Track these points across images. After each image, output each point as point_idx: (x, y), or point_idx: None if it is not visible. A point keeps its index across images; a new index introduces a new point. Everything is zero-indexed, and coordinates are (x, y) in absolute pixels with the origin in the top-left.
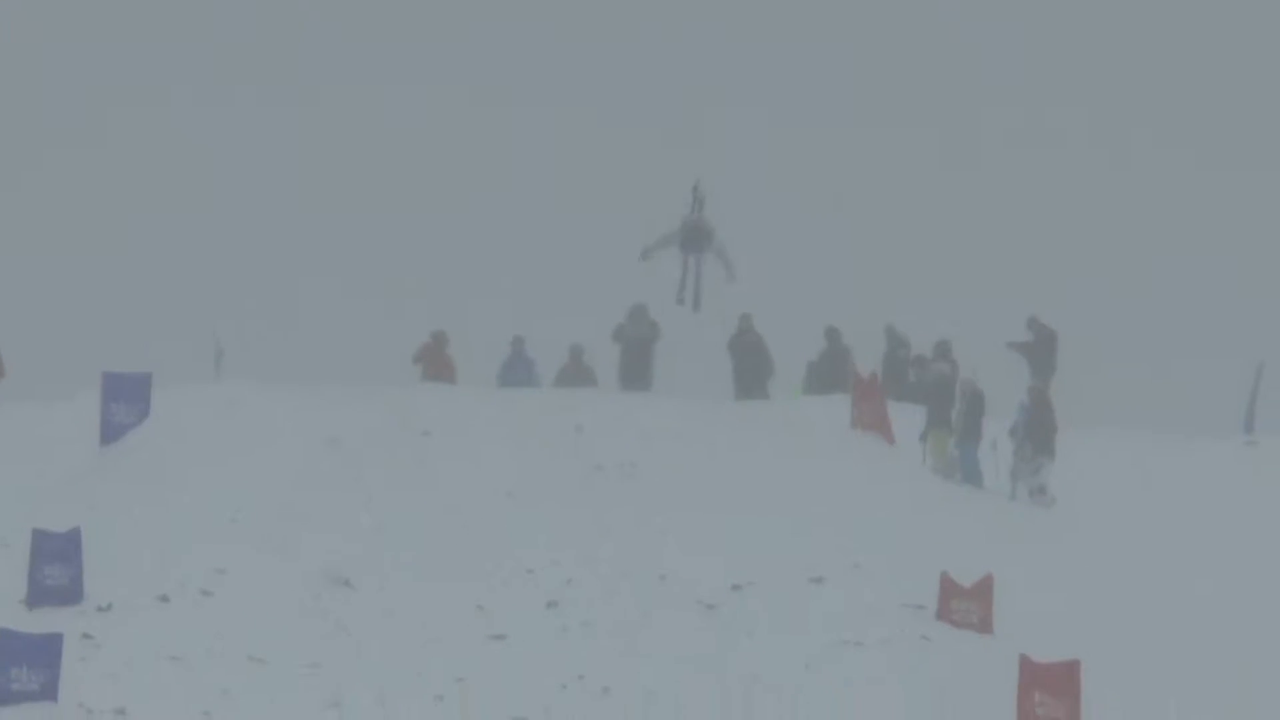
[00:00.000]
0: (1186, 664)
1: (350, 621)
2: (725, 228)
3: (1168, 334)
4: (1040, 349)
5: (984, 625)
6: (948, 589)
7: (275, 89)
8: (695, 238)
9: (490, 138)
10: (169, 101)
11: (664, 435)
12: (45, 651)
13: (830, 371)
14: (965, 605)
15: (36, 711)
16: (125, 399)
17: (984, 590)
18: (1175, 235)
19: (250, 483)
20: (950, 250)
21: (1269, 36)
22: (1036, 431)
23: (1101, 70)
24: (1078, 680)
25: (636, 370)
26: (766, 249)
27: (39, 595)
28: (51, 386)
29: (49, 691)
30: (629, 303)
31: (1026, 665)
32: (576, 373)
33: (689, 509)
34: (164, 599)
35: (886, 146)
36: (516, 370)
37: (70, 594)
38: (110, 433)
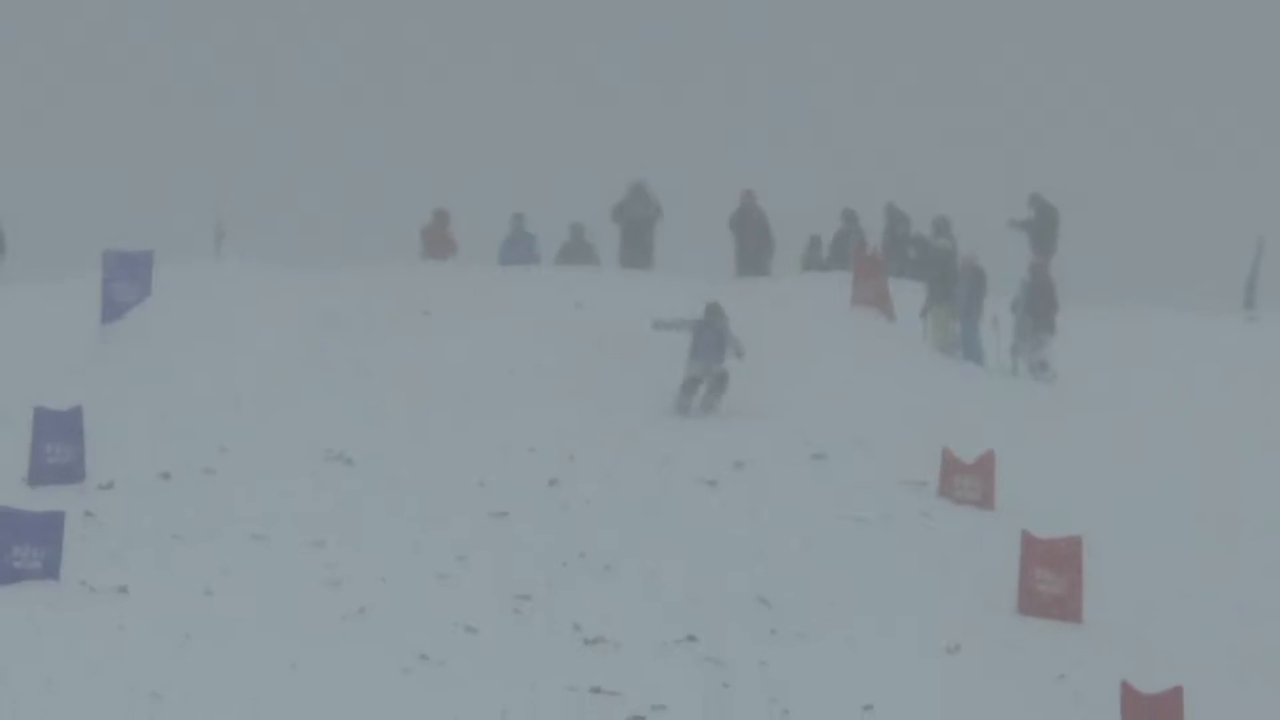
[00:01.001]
0: (1187, 540)
1: (351, 499)
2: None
3: (1169, 210)
4: (1042, 226)
5: (985, 501)
6: (949, 465)
7: None
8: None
9: (492, 12)
10: None
11: (665, 312)
12: (47, 529)
13: (845, 253)
14: (967, 482)
15: (38, 589)
16: (126, 277)
17: (985, 467)
18: (1177, 110)
19: (251, 361)
20: (951, 127)
21: None
22: (1037, 308)
23: None
24: (1079, 556)
25: (637, 249)
26: (770, 123)
27: (41, 473)
28: (52, 265)
29: (50, 569)
30: (629, 180)
31: (1028, 541)
32: (578, 250)
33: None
34: (165, 477)
35: (890, 23)
36: (517, 247)
37: (72, 472)
38: (111, 311)
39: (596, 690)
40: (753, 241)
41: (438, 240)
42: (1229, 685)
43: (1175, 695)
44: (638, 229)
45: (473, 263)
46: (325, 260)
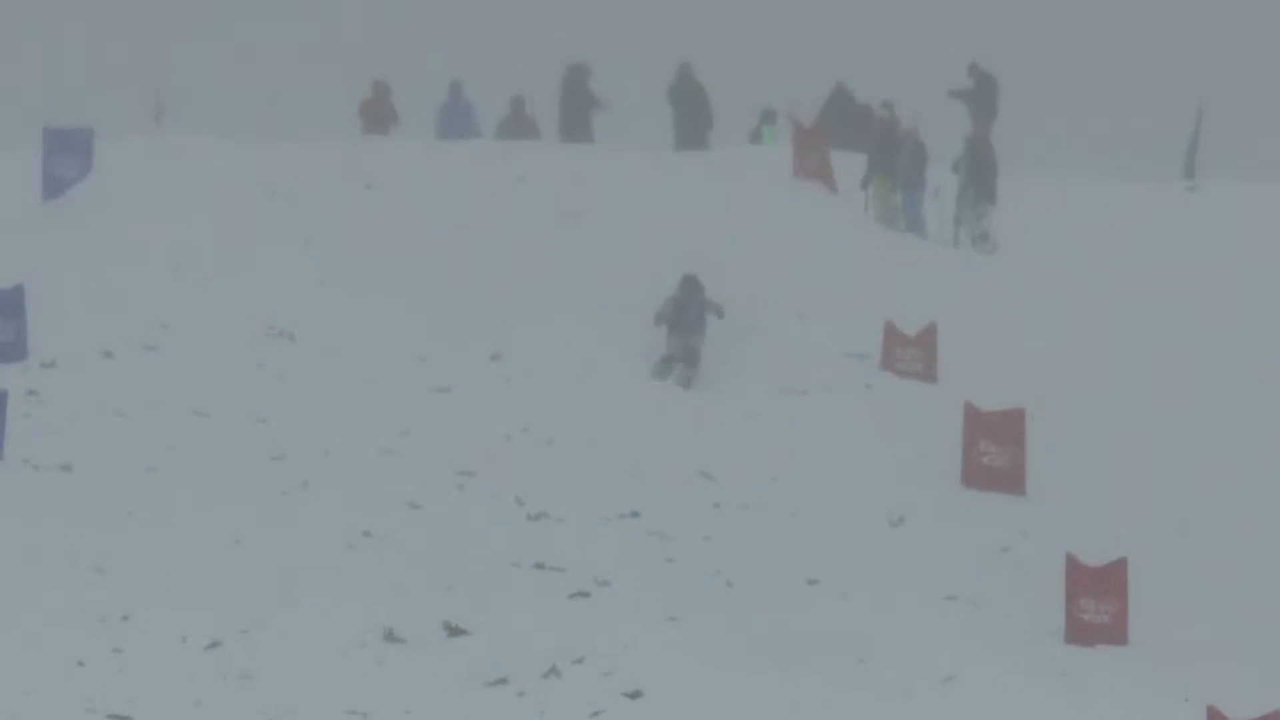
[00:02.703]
0: (1131, 410)
1: (293, 374)
2: None
3: (1109, 78)
4: (981, 95)
5: (928, 374)
6: (891, 337)
7: None
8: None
9: None
10: None
11: (606, 185)
12: None
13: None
14: (909, 354)
15: None
16: (67, 153)
17: (928, 338)
18: None
19: (193, 237)
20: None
21: None
22: (979, 178)
23: None
24: (1022, 426)
25: (577, 124)
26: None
27: None
28: None
29: None
30: (571, 58)
31: (971, 413)
32: (518, 124)
33: (631, 256)
34: (108, 354)
35: None
36: (454, 114)
37: (14, 350)
38: (52, 188)
39: (540, 566)
40: (690, 114)
41: (378, 113)
42: (1173, 556)
43: (1119, 566)
44: (577, 105)
45: (412, 134)
46: (266, 134)
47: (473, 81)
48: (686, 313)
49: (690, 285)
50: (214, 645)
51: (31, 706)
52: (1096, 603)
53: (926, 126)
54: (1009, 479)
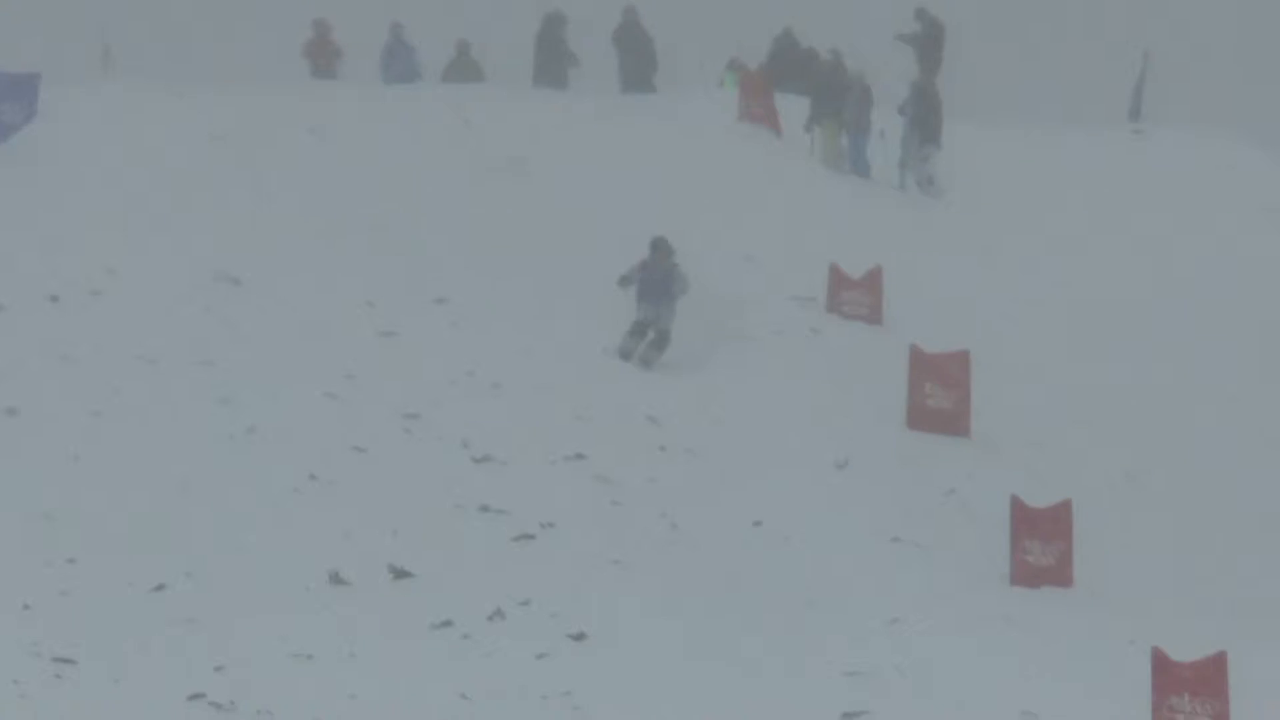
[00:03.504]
0: (1077, 353)
1: (239, 319)
2: None
3: (1056, 23)
4: (928, 40)
5: (873, 316)
6: (837, 281)
7: None
8: None
9: None
10: None
11: (553, 130)
12: None
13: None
14: (855, 296)
15: None
16: (12, 99)
17: (873, 282)
18: None
19: (138, 182)
20: None
21: None
22: (924, 122)
23: None
24: (967, 370)
25: (552, 75)
26: None
27: None
28: None
29: None
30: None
31: (916, 356)
32: (464, 68)
33: (577, 201)
34: (54, 299)
35: None
36: (397, 57)
37: None
38: None
39: (485, 508)
40: (636, 58)
41: (322, 51)
42: (1118, 500)
43: (1064, 508)
44: (554, 62)
45: (357, 74)
46: (213, 81)
47: (412, 24)
48: (651, 274)
49: (660, 248)
50: (160, 589)
51: None
52: (1042, 545)
53: (873, 71)
54: (954, 421)
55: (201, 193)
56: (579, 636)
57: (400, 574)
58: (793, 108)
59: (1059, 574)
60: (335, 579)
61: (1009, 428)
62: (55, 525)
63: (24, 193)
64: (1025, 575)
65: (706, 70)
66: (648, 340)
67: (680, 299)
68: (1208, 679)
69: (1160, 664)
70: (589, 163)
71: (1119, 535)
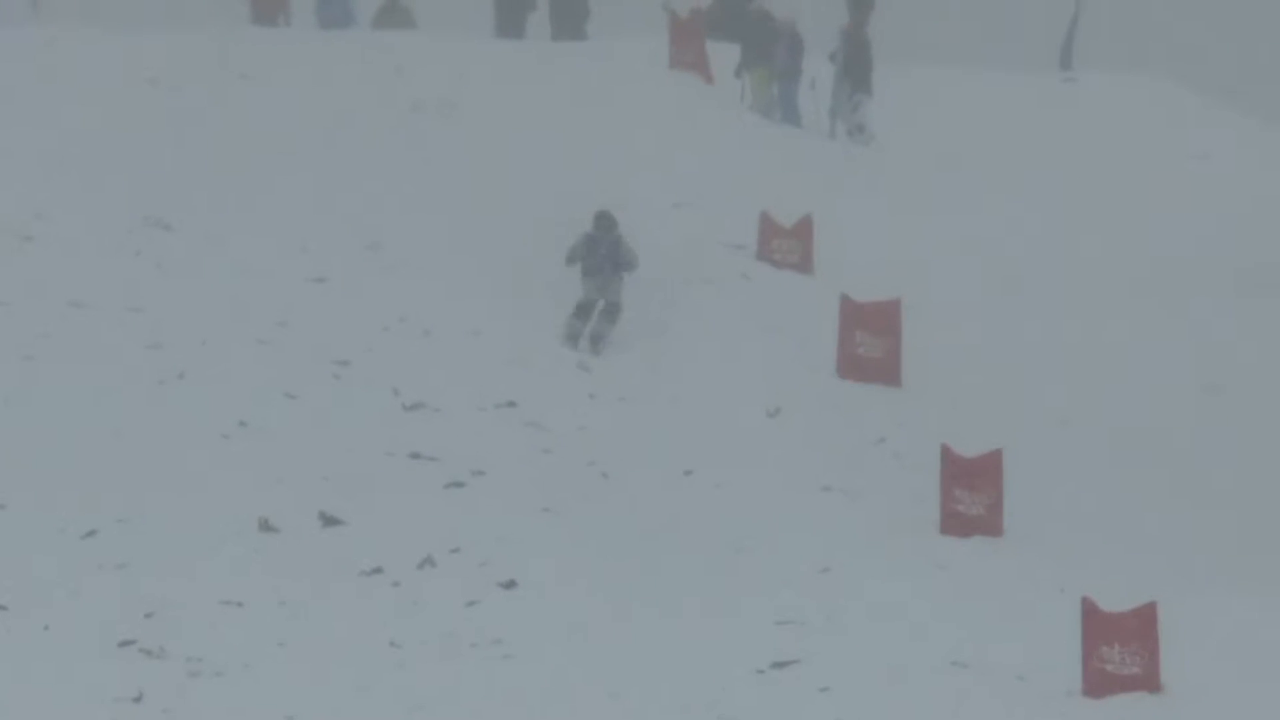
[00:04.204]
0: (1007, 300)
1: (170, 264)
2: None
3: None
4: None
5: (804, 265)
6: (768, 228)
7: None
8: None
9: None
10: None
11: (484, 77)
12: None
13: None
14: (786, 244)
15: None
16: None
17: (804, 230)
18: None
19: (68, 126)
20: None
21: None
22: (854, 69)
23: None
24: (898, 318)
25: (512, 24)
26: None
27: None
28: None
29: None
30: None
31: (847, 305)
32: (394, 14)
33: (509, 149)
34: None
35: None
36: (334, 3)
37: None
38: None
39: (416, 456)
40: (567, 5)
41: None
42: (1048, 450)
43: (994, 458)
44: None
45: (297, 21)
46: (146, 20)
47: None
48: (595, 249)
49: (603, 222)
50: (90, 534)
51: None
52: (972, 494)
53: (803, 17)
54: (884, 370)
55: (132, 137)
56: (509, 584)
57: (330, 521)
58: (723, 55)
59: (989, 523)
60: (265, 526)
61: (940, 376)
62: None
63: None
64: (955, 524)
65: (638, 17)
66: (597, 312)
67: (629, 273)
68: (1137, 629)
69: (1090, 613)
70: (519, 109)
71: (1050, 483)
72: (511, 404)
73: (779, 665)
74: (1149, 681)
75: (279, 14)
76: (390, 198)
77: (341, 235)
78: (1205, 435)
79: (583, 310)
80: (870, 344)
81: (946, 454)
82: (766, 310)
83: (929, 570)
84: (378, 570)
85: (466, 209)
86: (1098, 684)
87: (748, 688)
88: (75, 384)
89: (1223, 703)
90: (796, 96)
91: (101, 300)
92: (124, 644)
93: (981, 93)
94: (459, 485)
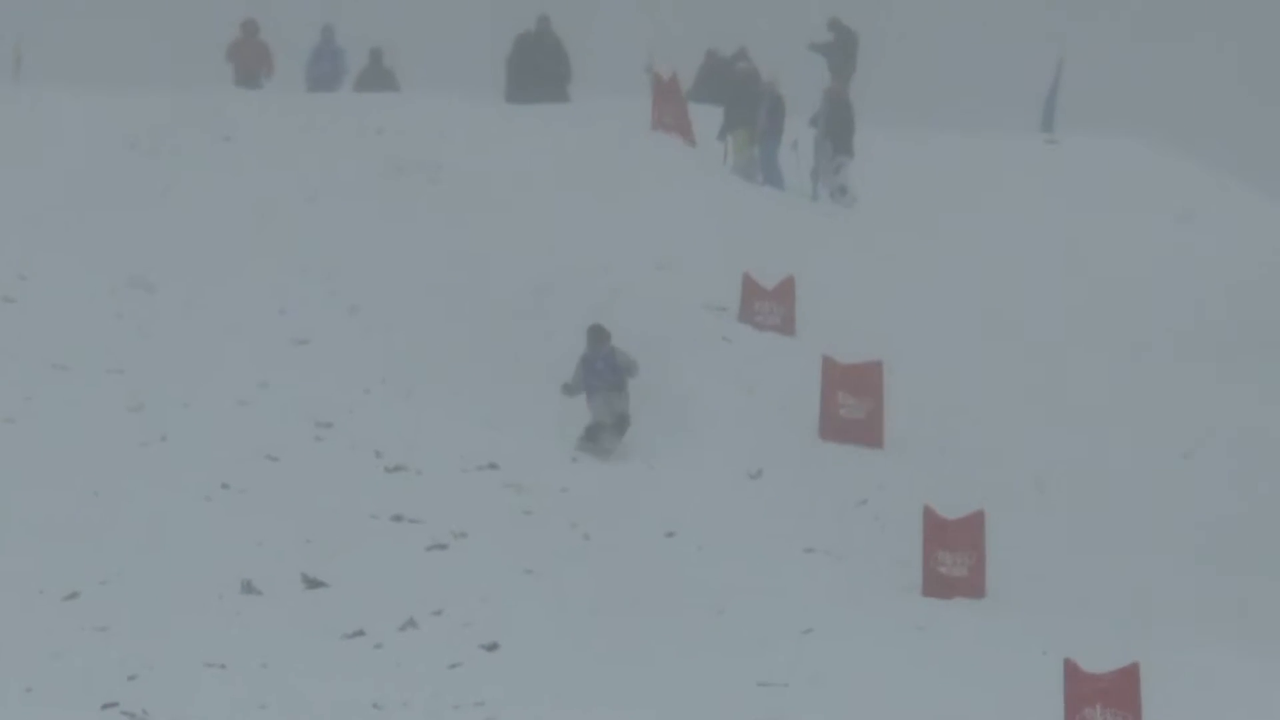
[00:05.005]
0: (989, 363)
1: (153, 326)
2: None
3: (967, 31)
4: (840, 49)
5: (786, 326)
6: (750, 290)
7: None
8: None
9: None
10: None
11: (466, 138)
12: None
13: (708, 90)
14: (767, 306)
15: None
16: None
17: (786, 291)
18: None
19: (51, 187)
20: None
21: None
22: (836, 131)
23: None
24: (879, 380)
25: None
26: None
27: None
28: None
29: None
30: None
31: (829, 366)
32: (376, 76)
33: (492, 212)
34: None
35: None
36: (325, 60)
37: None
38: None
39: (398, 518)
40: (550, 67)
41: (248, 54)
42: (1030, 509)
43: (976, 519)
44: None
45: (283, 82)
46: (129, 85)
47: (342, 26)
48: (594, 366)
49: (595, 337)
50: (72, 596)
51: None
52: (953, 555)
53: (785, 79)
54: (866, 431)
55: (114, 199)
56: (491, 646)
57: (313, 583)
58: (706, 116)
59: (971, 584)
60: (248, 588)
61: (922, 438)
62: None
63: None
64: (937, 586)
65: (619, 78)
66: (606, 435)
67: (632, 379)
68: (1120, 689)
69: (1073, 674)
70: (501, 171)
71: (1031, 544)
72: (493, 466)
73: None
74: None
75: (261, 72)
76: (371, 260)
77: (322, 297)
78: (1186, 494)
79: (592, 433)
80: (852, 405)
81: (928, 515)
82: (748, 372)
83: (911, 631)
84: (360, 632)
85: (447, 271)
86: None
87: None
88: (57, 446)
89: None
90: (778, 158)
91: (83, 362)
92: (107, 706)
93: (964, 155)
94: (441, 547)
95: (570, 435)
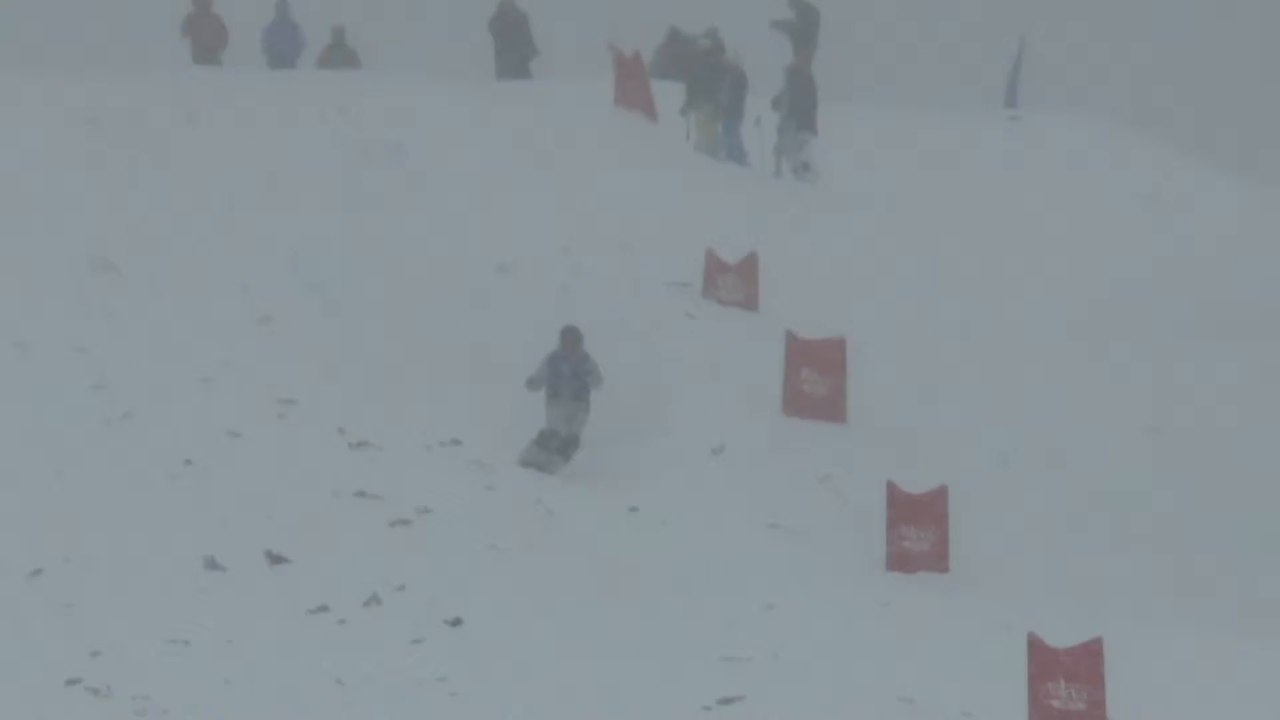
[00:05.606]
0: (951, 340)
1: (114, 305)
2: None
3: (930, 8)
4: (802, 26)
5: (749, 302)
6: (713, 266)
7: None
8: None
9: None
10: None
11: (429, 116)
12: None
13: (670, 67)
14: (731, 282)
15: None
16: None
17: (749, 267)
18: None
19: (10, 167)
20: None
21: None
22: (799, 108)
23: None
24: (843, 356)
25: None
26: None
27: None
28: None
29: None
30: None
31: (792, 342)
32: (339, 54)
33: (454, 191)
34: None
35: None
36: (282, 33)
37: None
38: None
39: (361, 494)
40: (513, 44)
41: (203, 28)
42: (993, 486)
43: (939, 494)
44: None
45: (241, 55)
46: (89, 65)
47: (298, 3)
48: (560, 369)
49: (569, 339)
50: (36, 573)
51: None
52: (917, 531)
53: (748, 57)
54: (830, 407)
55: (76, 179)
56: (455, 622)
57: (276, 559)
58: (668, 93)
59: (935, 559)
60: (211, 564)
61: (885, 413)
62: None
63: None
64: (901, 561)
65: (583, 55)
66: (552, 448)
67: (595, 390)
68: (1084, 665)
69: (1037, 650)
70: (464, 149)
71: (994, 520)
72: (456, 442)
73: (725, 702)
74: (1095, 717)
75: (220, 51)
76: (333, 238)
77: (285, 276)
78: (1147, 475)
79: (545, 439)
80: (816, 381)
81: (892, 490)
82: (711, 348)
83: (874, 607)
84: (323, 608)
85: (409, 249)
86: None
87: None
88: (20, 424)
89: None
90: (740, 134)
91: (46, 341)
92: (70, 683)
93: (927, 131)
94: (405, 523)
95: (532, 414)
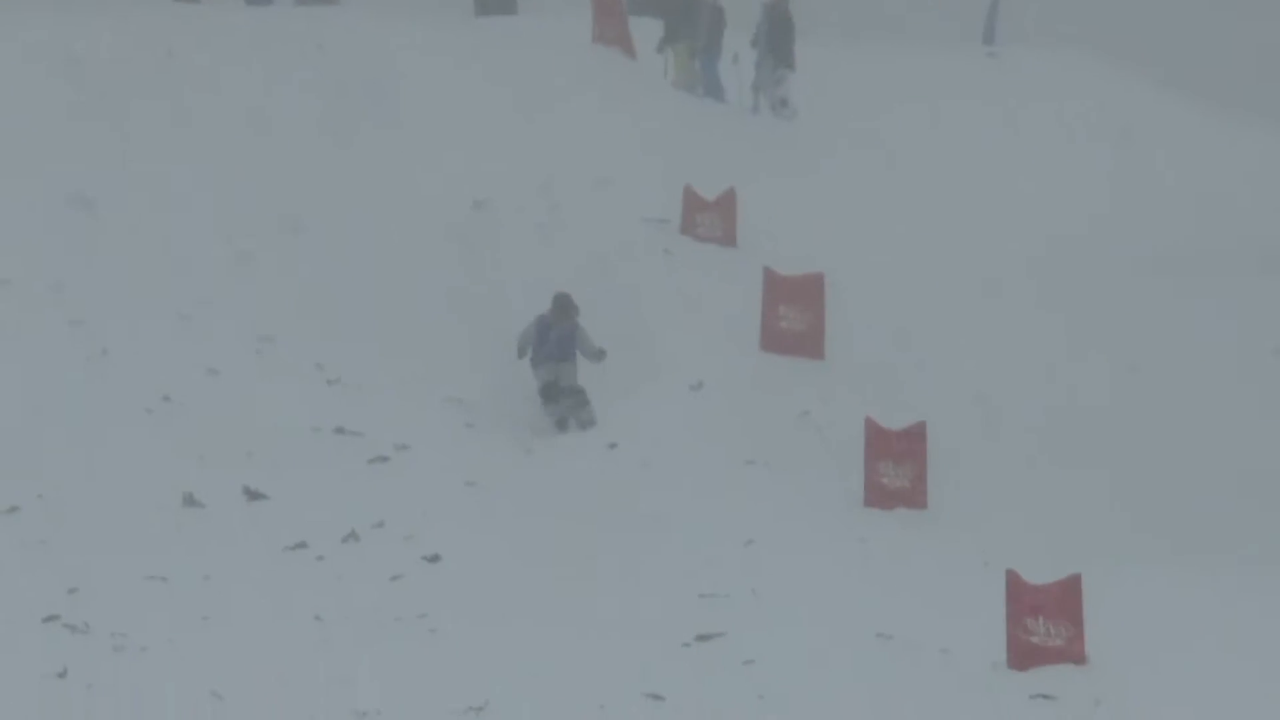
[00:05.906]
0: (930, 276)
1: (94, 243)
2: None
3: None
4: None
5: (727, 239)
6: (691, 203)
7: None
8: None
9: None
10: None
11: (408, 53)
12: None
13: (648, 3)
14: (709, 218)
15: None
16: None
17: (727, 204)
18: None
19: None
20: None
21: None
22: (777, 44)
23: None
24: (821, 292)
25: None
26: None
27: None
28: None
29: None
30: None
31: (770, 278)
32: None
33: (432, 126)
34: None
35: None
36: None
37: None
38: None
39: (340, 430)
40: None
41: None
42: (971, 420)
43: (918, 430)
44: None
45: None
46: (69, 3)
47: None
48: (546, 335)
49: (560, 307)
50: (12, 510)
51: None
52: (895, 466)
53: None
54: (808, 343)
55: (54, 116)
56: (433, 559)
57: (254, 496)
58: (646, 30)
59: (912, 496)
60: (189, 501)
61: (863, 350)
62: None
63: None
64: (879, 497)
65: None
66: (565, 405)
67: (596, 364)
68: (1062, 602)
69: (1015, 587)
70: (443, 86)
71: (973, 458)
72: (434, 379)
73: (703, 638)
74: (1073, 653)
75: None
76: (312, 175)
77: (264, 214)
78: (1124, 412)
79: (549, 392)
80: (793, 317)
81: (870, 426)
82: (689, 284)
83: (853, 543)
84: (302, 545)
85: (390, 188)
86: (1022, 656)
87: (673, 661)
88: None
89: (1146, 673)
90: (718, 71)
91: (23, 277)
92: (48, 619)
93: (905, 67)
94: (383, 460)
95: (511, 344)
